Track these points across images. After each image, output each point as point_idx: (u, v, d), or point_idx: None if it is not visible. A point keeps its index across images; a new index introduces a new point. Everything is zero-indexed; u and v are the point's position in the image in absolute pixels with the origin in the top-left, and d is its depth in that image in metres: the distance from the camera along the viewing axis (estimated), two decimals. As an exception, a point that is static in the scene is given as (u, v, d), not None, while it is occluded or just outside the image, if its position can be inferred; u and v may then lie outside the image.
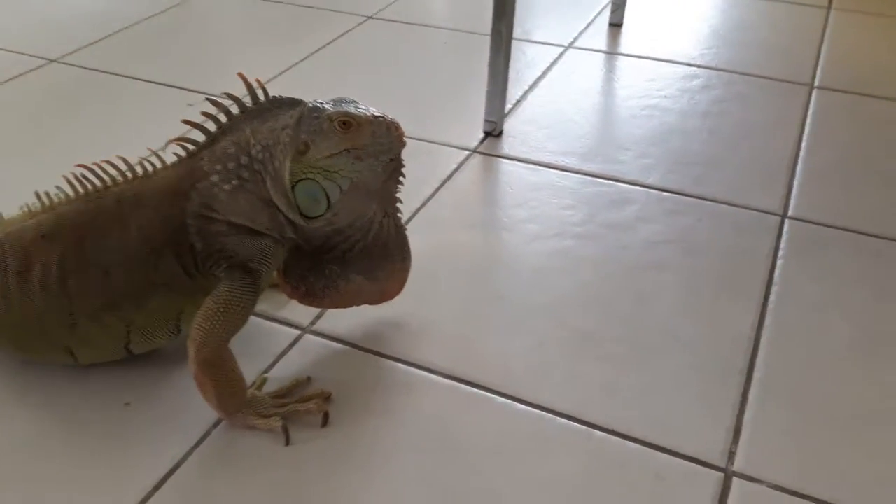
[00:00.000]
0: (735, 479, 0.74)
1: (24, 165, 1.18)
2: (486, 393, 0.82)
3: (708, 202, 1.13)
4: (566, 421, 0.79)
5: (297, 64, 1.50)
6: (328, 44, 1.59)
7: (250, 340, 0.84)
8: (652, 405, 0.81)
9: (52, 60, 1.51)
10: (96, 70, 1.48)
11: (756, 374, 0.85)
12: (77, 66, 1.50)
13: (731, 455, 0.76)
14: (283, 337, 0.88)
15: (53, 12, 1.73)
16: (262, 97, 0.76)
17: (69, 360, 0.80)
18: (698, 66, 1.51)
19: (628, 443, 0.77)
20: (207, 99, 0.76)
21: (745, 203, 1.12)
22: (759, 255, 1.02)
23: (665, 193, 1.15)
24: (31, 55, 1.53)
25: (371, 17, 1.72)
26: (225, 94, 0.76)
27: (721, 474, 0.74)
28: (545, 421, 0.79)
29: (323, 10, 1.76)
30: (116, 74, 1.47)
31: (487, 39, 1.21)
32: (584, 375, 0.84)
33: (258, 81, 0.76)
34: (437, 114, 1.34)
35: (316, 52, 1.55)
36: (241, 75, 0.75)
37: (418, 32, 1.66)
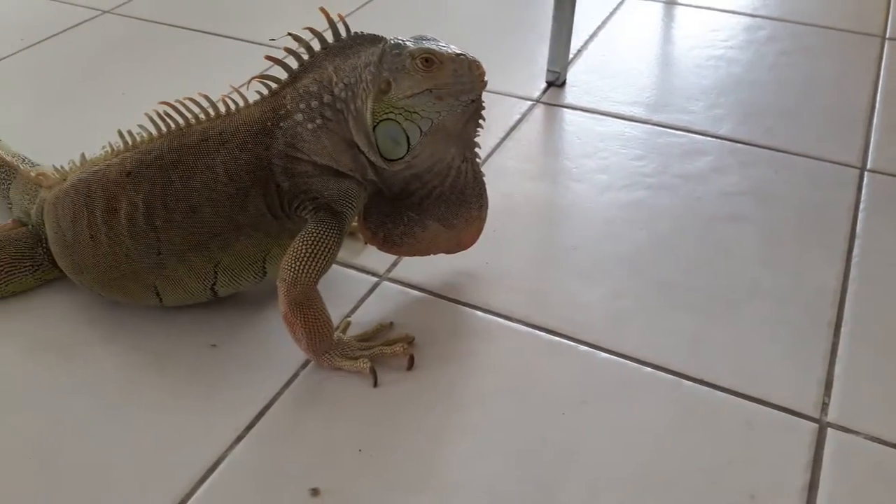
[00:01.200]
0: (830, 430, 0.72)
1: (84, 113, 1.18)
2: (566, 341, 0.81)
3: (782, 154, 1.10)
4: (651, 370, 0.78)
5: (353, 12, 1.47)
6: (382, -6, 1.56)
7: (329, 286, 0.83)
8: (739, 355, 0.79)
9: (105, 11, 1.50)
10: (150, 21, 1.47)
11: (844, 327, 0.82)
12: (131, 16, 1.48)
13: (825, 406, 0.74)
14: (361, 284, 0.87)
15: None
16: (343, 33, 0.74)
17: (155, 301, 0.79)
18: (762, 17, 1.47)
19: (718, 392, 0.75)
20: (289, 34, 0.74)
21: (822, 155, 1.09)
22: (840, 207, 0.99)
23: (738, 145, 1.11)
24: (83, 6, 1.51)
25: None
26: (307, 28, 0.74)
27: (815, 425, 0.72)
28: (630, 370, 0.78)
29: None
30: (171, 25, 1.45)
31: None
32: (666, 325, 0.83)
33: (340, 16, 0.74)
34: (496, 63, 1.29)
35: (371, 1, 1.53)
36: (322, 10, 0.73)
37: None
